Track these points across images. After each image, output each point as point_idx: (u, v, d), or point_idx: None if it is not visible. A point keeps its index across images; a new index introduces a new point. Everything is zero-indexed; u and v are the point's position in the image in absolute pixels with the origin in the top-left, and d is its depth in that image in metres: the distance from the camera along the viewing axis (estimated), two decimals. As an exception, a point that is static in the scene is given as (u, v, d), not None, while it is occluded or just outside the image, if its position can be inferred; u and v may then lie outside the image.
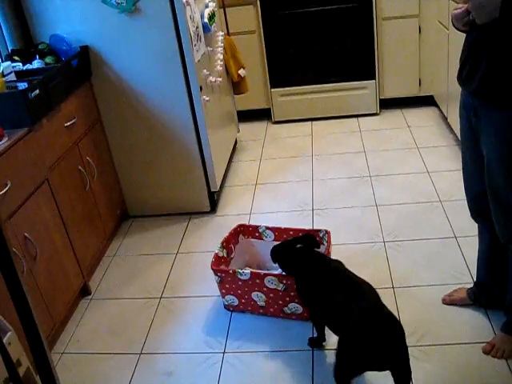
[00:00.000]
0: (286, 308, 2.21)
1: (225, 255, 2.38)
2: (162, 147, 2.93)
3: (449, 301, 2.19)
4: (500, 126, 1.60)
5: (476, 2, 1.47)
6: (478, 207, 1.90)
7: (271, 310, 2.25)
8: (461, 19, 1.60)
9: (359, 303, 1.66)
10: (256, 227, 2.49)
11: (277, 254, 2.14)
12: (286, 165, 3.56)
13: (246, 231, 2.51)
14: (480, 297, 2.11)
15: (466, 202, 1.96)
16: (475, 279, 2.15)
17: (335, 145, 3.74)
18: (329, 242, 2.32)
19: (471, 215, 1.97)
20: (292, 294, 2.14)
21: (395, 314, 2.14)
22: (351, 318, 1.64)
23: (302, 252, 2.05)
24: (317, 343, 2.09)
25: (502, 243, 1.81)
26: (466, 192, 1.94)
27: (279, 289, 2.15)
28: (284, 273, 2.14)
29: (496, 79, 1.55)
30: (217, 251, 2.34)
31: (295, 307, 2.19)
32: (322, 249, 2.29)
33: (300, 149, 3.75)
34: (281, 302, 2.20)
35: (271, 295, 2.19)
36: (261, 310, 2.28)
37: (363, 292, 1.72)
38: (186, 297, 2.48)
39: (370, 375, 1.90)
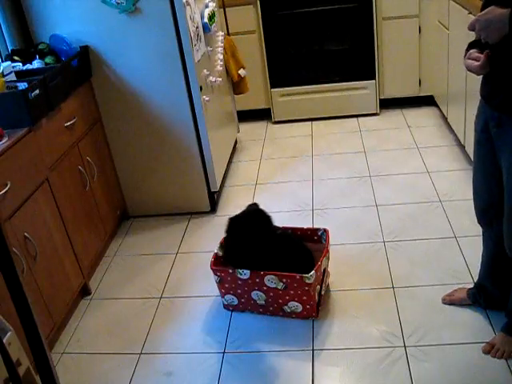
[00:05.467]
0: (285, 307, 2.22)
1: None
2: (161, 147, 2.93)
3: (448, 301, 2.19)
4: None
5: (482, 22, 1.42)
6: (486, 218, 1.89)
7: (271, 309, 2.25)
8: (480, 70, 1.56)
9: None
10: (256, 227, 2.49)
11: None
12: (286, 165, 3.56)
13: (246, 231, 2.50)
14: (480, 298, 2.11)
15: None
16: (476, 280, 2.15)
17: (335, 145, 3.74)
18: (327, 240, 2.33)
19: (478, 222, 1.95)
20: (292, 292, 2.14)
21: (395, 313, 2.17)
22: None
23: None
24: None
25: (507, 254, 1.78)
26: (474, 202, 1.91)
27: (279, 288, 2.15)
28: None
29: None
30: (216, 251, 2.34)
31: (295, 306, 2.19)
32: (320, 247, 2.30)
33: (300, 149, 3.75)
34: (280, 301, 2.20)
35: (271, 294, 2.19)
36: (260, 309, 2.28)
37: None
38: (186, 297, 2.48)
39: (368, 374, 1.91)
